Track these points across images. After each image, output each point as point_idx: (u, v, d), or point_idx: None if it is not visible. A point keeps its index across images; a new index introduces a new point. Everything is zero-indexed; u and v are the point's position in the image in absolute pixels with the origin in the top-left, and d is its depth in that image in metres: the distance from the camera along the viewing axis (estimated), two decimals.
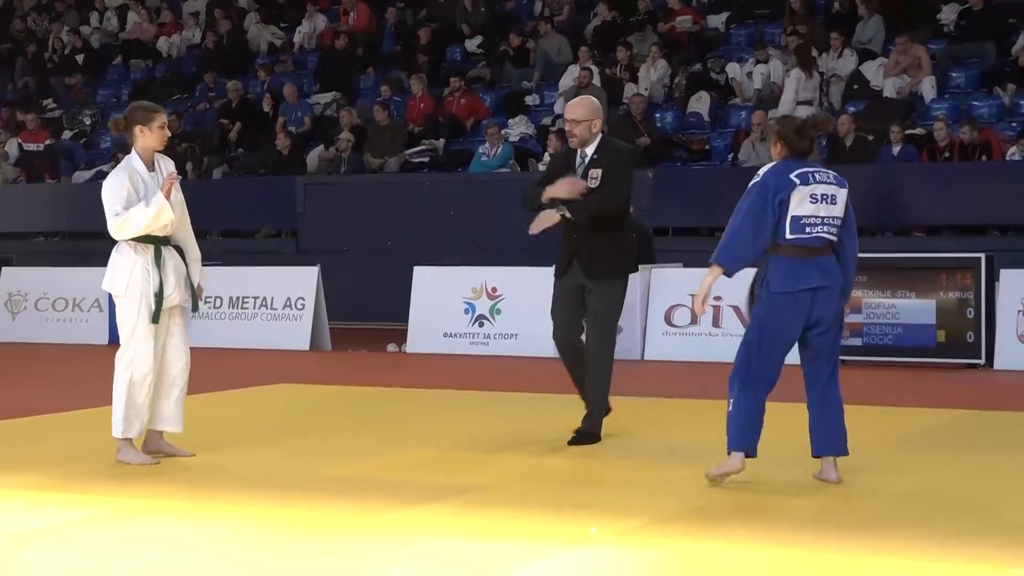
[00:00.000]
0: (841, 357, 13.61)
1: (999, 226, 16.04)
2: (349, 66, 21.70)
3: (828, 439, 7.55)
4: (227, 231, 19.97)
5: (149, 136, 8.13)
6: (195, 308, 8.48)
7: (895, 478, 7.73)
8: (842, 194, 7.27)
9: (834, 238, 7.28)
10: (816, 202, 7.18)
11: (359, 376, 13.20)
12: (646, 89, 18.97)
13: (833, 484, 7.38)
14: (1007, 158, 16.13)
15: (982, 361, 13.09)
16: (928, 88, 17.71)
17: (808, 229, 7.19)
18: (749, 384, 7.36)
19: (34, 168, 21.54)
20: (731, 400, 7.37)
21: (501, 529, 6.53)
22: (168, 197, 8.01)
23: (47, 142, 21.73)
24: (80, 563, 6.03)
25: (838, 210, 7.26)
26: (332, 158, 19.52)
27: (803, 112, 17.32)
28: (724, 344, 13.76)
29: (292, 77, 21.76)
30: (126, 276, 8.12)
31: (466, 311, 15.08)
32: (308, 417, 10.54)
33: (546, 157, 18.00)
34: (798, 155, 7.31)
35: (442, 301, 15.19)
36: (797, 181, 7.15)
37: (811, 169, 7.26)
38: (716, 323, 13.99)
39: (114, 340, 16.39)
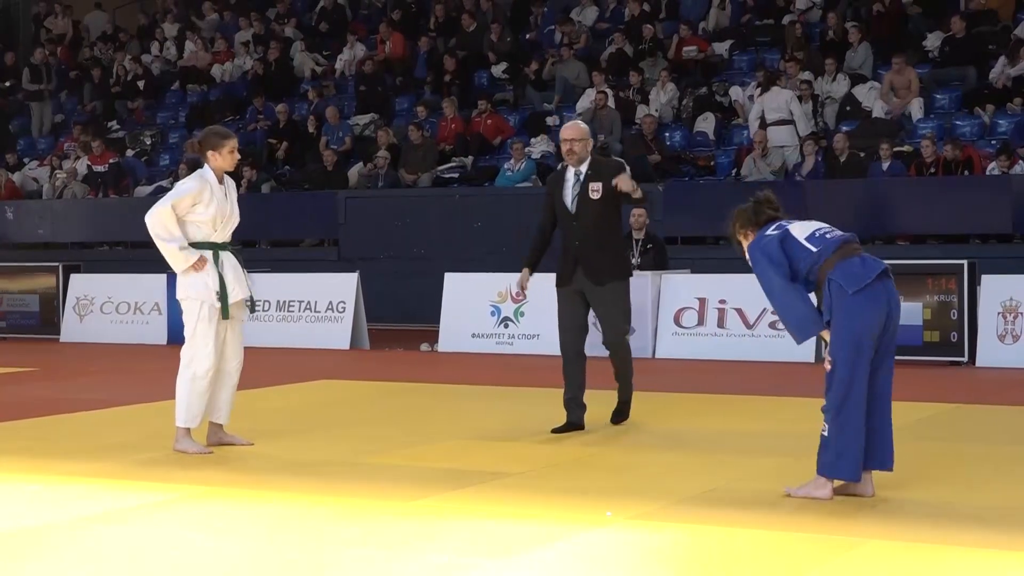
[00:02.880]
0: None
1: (980, 235, 15.97)
2: (386, 90, 21.74)
3: (874, 452, 6.71)
4: (274, 241, 20.01)
5: (220, 159, 8.25)
6: (252, 309, 8.53)
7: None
8: None
9: (844, 232, 6.68)
10: (809, 222, 6.76)
11: (395, 373, 13.20)
12: (656, 110, 18.96)
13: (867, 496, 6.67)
14: (987, 172, 16.07)
15: (965, 359, 13.04)
16: (917, 108, 17.69)
17: (827, 235, 6.62)
18: (852, 402, 6.53)
19: (99, 185, 21.63)
20: (826, 426, 6.51)
21: (523, 513, 6.52)
22: (198, 267, 8.14)
23: (111, 161, 21.81)
24: (143, 545, 6.04)
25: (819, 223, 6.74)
26: (370, 174, 19.53)
27: (778, 131, 17.32)
28: (728, 344, 13.76)
29: (334, 100, 21.79)
30: (189, 281, 8.23)
31: (492, 313, 15.08)
32: (348, 410, 10.55)
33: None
34: (761, 225, 6.79)
35: (470, 304, 15.19)
36: (777, 232, 6.66)
37: (768, 226, 6.76)
38: (720, 324, 13.95)
39: (172, 341, 16.51)
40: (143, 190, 21.33)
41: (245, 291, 8.34)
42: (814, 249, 6.57)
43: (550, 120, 19.92)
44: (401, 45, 22.43)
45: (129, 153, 22.77)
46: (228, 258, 8.33)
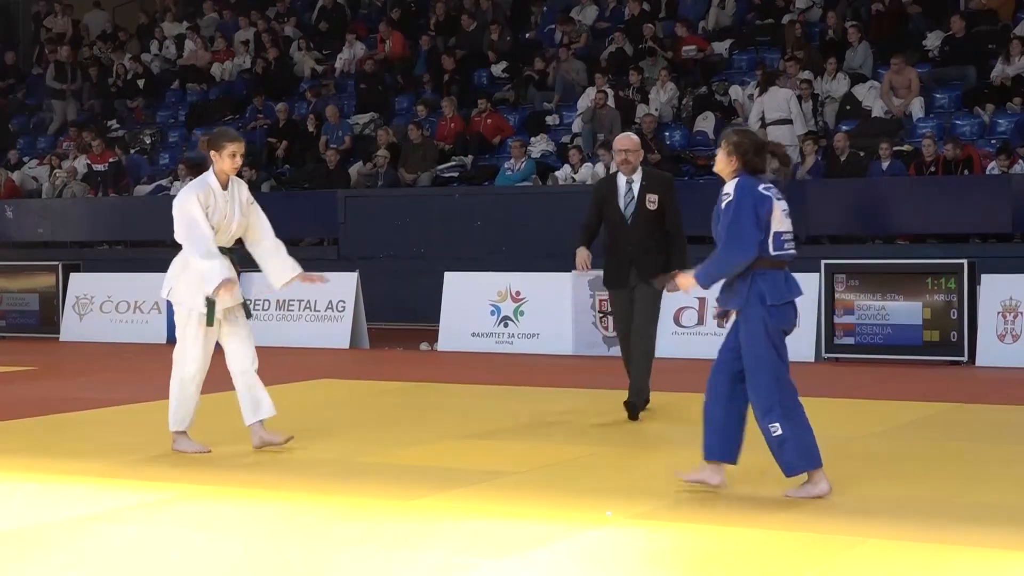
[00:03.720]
0: (835, 355, 13.73)
1: (980, 234, 15.96)
2: (385, 89, 21.73)
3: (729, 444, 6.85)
4: None
5: (219, 161, 8.17)
6: (248, 314, 8.44)
7: (887, 466, 7.70)
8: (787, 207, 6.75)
9: (795, 252, 6.80)
10: (787, 217, 6.75)
11: (394, 372, 13.20)
12: (656, 110, 18.94)
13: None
14: (987, 172, 16.06)
15: (965, 358, 13.04)
16: (918, 108, 17.69)
17: (786, 245, 6.72)
18: (789, 393, 6.65)
19: (99, 184, 21.62)
20: (777, 424, 6.57)
21: (523, 513, 6.52)
22: (229, 290, 8.01)
23: (111, 160, 21.80)
24: (142, 545, 6.04)
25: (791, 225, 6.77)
26: (370, 173, 19.52)
27: (777, 130, 17.32)
28: None
29: (334, 99, 21.77)
30: (179, 284, 8.19)
31: (492, 313, 15.07)
32: (347, 410, 10.55)
33: (565, 169, 18.00)
34: (751, 172, 6.71)
35: (470, 303, 15.19)
36: (772, 196, 6.64)
37: (769, 184, 6.74)
38: (721, 324, 13.92)
39: (171, 340, 16.46)
40: (143, 189, 21.33)
41: (237, 298, 8.23)
42: (773, 250, 6.64)
43: (550, 119, 19.92)
44: (401, 44, 22.42)
45: (129, 152, 22.76)
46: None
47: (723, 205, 6.62)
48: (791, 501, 6.66)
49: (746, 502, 6.68)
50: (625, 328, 9.66)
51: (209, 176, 8.20)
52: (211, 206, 8.10)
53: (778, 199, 6.70)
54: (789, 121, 17.56)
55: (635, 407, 9.45)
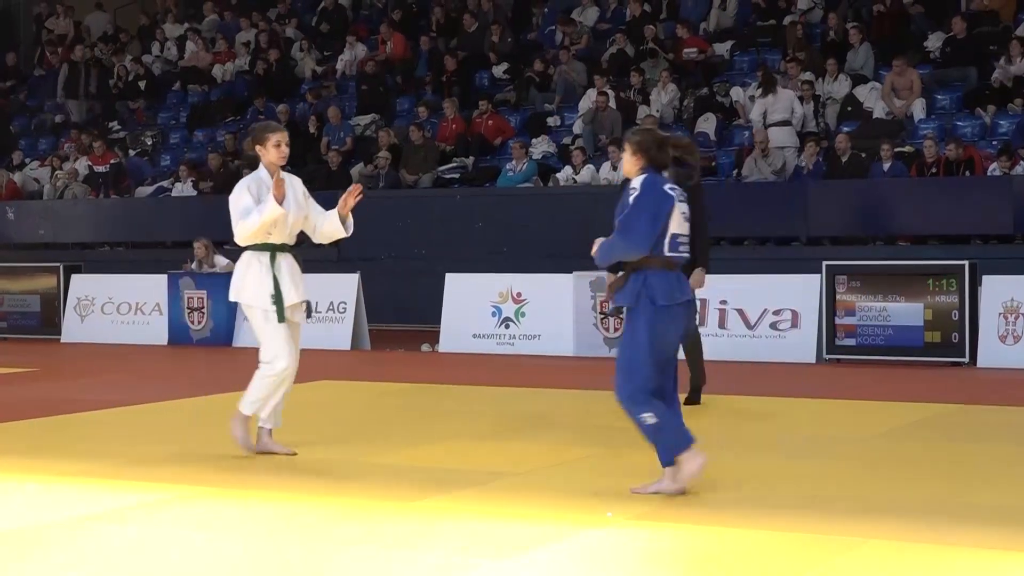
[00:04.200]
0: (837, 356, 13.74)
1: (981, 236, 15.96)
2: (387, 91, 21.74)
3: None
4: None
5: (266, 154, 8.07)
6: (308, 314, 8.37)
7: (887, 466, 7.70)
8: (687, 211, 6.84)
9: (688, 255, 6.89)
10: (686, 221, 6.80)
11: (395, 373, 13.20)
12: (657, 111, 18.94)
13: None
14: (988, 173, 16.06)
15: (966, 360, 13.05)
16: (919, 109, 17.69)
17: (680, 248, 6.77)
18: (655, 394, 6.71)
19: (100, 186, 21.63)
20: (649, 412, 6.65)
21: (523, 513, 6.52)
22: (280, 200, 7.89)
23: (112, 162, 21.81)
24: (143, 545, 6.04)
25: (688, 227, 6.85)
26: (371, 174, 19.52)
27: (779, 131, 17.34)
28: (729, 344, 13.75)
29: (335, 101, 21.79)
30: (245, 285, 8.06)
31: (493, 314, 15.08)
32: (348, 410, 10.55)
33: (566, 170, 18.00)
34: (656, 169, 6.82)
35: (471, 305, 15.19)
36: (674, 196, 6.73)
37: (675, 185, 6.83)
38: (722, 325, 13.94)
39: (173, 341, 16.52)
40: (144, 190, 21.35)
41: (301, 294, 8.15)
42: (667, 251, 6.70)
43: (551, 121, 19.93)
44: (402, 45, 22.43)
45: (130, 153, 22.77)
46: (286, 260, 8.12)
47: (629, 199, 6.74)
48: (791, 501, 6.67)
49: (746, 503, 6.68)
50: None
51: (260, 171, 8.08)
52: (263, 199, 7.96)
53: (680, 200, 6.80)
54: (791, 122, 17.59)
55: (697, 392, 10.20)
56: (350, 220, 8.28)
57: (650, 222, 6.66)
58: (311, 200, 8.33)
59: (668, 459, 6.76)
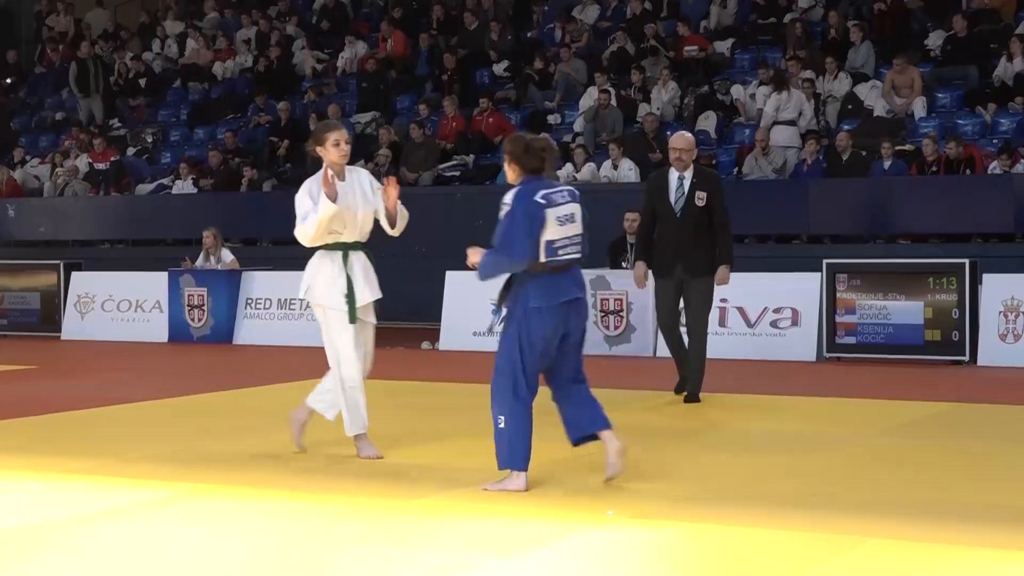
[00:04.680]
0: (837, 354, 13.72)
1: (982, 234, 15.95)
2: (387, 88, 21.73)
3: (594, 418, 7.15)
4: (276, 239, 19.94)
5: (326, 153, 7.94)
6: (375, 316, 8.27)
7: (887, 465, 7.70)
8: (578, 209, 6.92)
9: (579, 255, 6.94)
10: (563, 224, 6.81)
11: (396, 371, 13.18)
12: (658, 109, 18.94)
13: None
14: (989, 171, 16.05)
15: (966, 358, 13.04)
16: (920, 107, 17.69)
17: (560, 252, 6.84)
18: (520, 398, 6.92)
19: (100, 183, 21.63)
20: (502, 417, 6.88)
21: (523, 513, 6.51)
22: (331, 197, 7.74)
23: (112, 159, 21.81)
24: (143, 543, 6.04)
25: (579, 227, 6.91)
26: (372, 172, 19.51)
27: (779, 130, 17.33)
28: (729, 343, 13.74)
29: (335, 98, 21.79)
30: (317, 284, 7.98)
31: (494, 312, 15.04)
32: None
33: (567, 168, 17.99)
34: (531, 173, 6.91)
35: (471, 303, 15.16)
36: (544, 203, 6.76)
37: (551, 190, 6.87)
38: (722, 323, 13.93)
39: (174, 339, 16.53)
40: (144, 188, 21.34)
41: (375, 293, 8.07)
42: (544, 257, 6.82)
43: (551, 119, 19.92)
44: (402, 43, 22.42)
45: (130, 151, 22.77)
46: (359, 258, 8.07)
47: (501, 215, 6.88)
48: (792, 502, 6.66)
49: (747, 503, 6.68)
50: (669, 320, 10.37)
51: (326, 168, 7.92)
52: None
53: (555, 206, 6.83)
54: (794, 121, 17.59)
55: (695, 389, 10.26)
56: (402, 210, 8.22)
57: (524, 237, 6.80)
58: (379, 194, 8.15)
59: (501, 465, 6.94)
